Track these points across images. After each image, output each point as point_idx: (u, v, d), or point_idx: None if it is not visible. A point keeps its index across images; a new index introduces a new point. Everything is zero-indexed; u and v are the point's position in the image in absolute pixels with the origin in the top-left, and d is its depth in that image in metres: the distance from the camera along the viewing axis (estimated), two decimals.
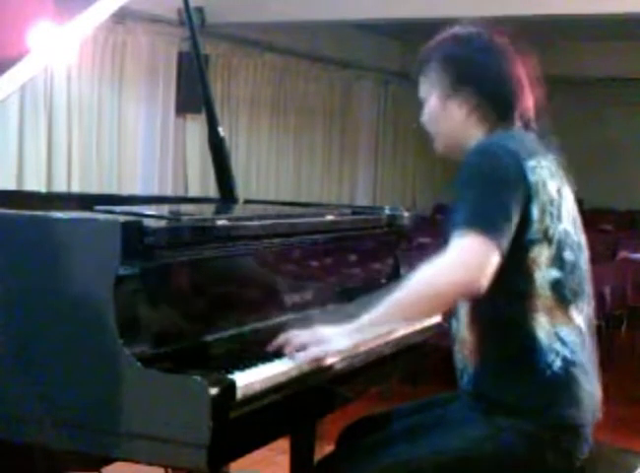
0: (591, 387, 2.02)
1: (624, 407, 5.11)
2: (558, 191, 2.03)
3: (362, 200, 10.40)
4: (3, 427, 1.88)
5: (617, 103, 11.57)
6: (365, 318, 1.98)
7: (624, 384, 5.79)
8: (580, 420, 1.99)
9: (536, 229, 1.96)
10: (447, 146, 2.15)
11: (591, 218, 9.44)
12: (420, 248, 6.90)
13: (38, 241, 1.87)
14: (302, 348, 1.97)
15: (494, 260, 1.88)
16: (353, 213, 2.77)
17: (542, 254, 1.97)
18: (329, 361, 2.04)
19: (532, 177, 1.96)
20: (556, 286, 1.98)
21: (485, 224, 1.89)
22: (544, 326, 1.96)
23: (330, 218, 2.57)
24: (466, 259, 1.88)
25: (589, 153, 11.38)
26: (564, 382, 1.97)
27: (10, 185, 5.94)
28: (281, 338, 2.01)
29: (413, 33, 9.94)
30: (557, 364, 1.96)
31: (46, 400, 1.82)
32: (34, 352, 1.84)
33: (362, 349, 2.14)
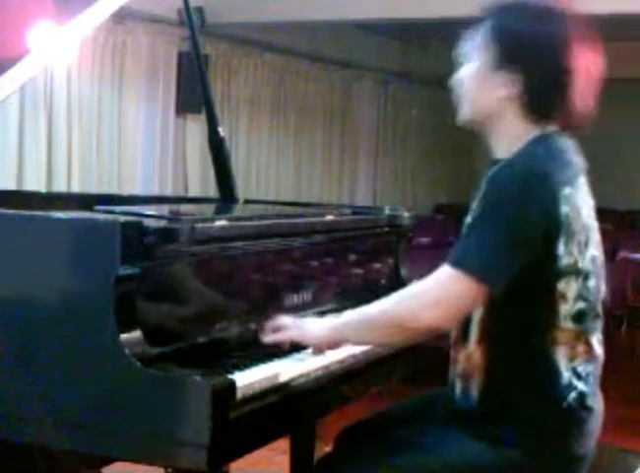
0: (598, 405, 2.00)
1: (624, 407, 5.11)
2: (591, 212, 1.97)
3: (362, 200, 10.39)
4: (3, 427, 1.88)
5: (618, 104, 11.57)
6: (340, 322, 2.02)
7: (624, 384, 5.79)
8: (588, 447, 1.98)
9: (564, 263, 1.89)
10: (475, 115, 2.01)
11: None
12: (420, 248, 6.90)
13: (38, 241, 1.87)
14: (280, 329, 2.05)
15: (472, 302, 1.87)
16: (354, 213, 2.77)
17: (570, 288, 1.91)
18: (324, 361, 2.06)
19: (564, 209, 1.87)
20: (580, 318, 1.93)
21: (480, 266, 1.84)
22: (564, 361, 1.92)
23: (330, 218, 2.57)
24: (439, 301, 1.86)
25: (589, 153, 11.36)
26: (577, 414, 1.94)
27: (10, 185, 5.93)
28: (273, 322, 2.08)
29: (413, 33, 9.95)
30: (573, 396, 1.92)
31: (46, 400, 1.82)
32: (34, 352, 1.84)
33: (356, 351, 2.15)
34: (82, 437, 1.81)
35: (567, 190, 1.89)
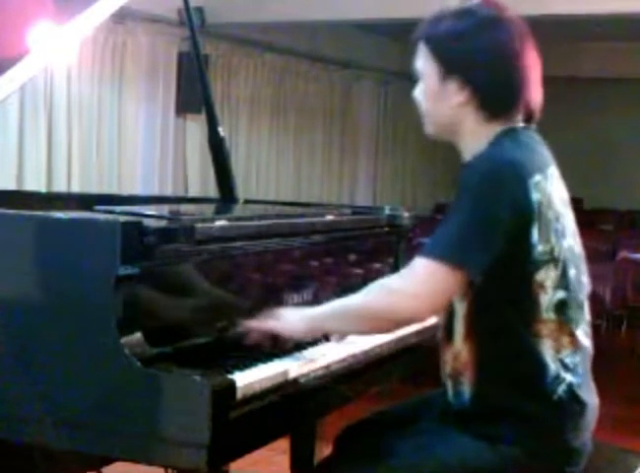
0: (591, 398, 1.99)
1: (624, 407, 5.11)
2: (564, 202, 1.98)
3: (362, 200, 10.40)
4: (3, 427, 1.88)
5: (618, 104, 11.58)
6: (319, 311, 2.03)
7: (624, 384, 5.79)
8: (584, 439, 1.98)
9: (540, 251, 1.89)
10: (438, 128, 2.04)
11: (591, 218, 9.45)
12: (420, 248, 6.90)
13: (38, 241, 1.87)
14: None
15: (451, 290, 1.87)
16: (354, 213, 2.77)
17: (548, 277, 1.91)
18: (325, 360, 2.06)
19: (535, 196, 1.87)
20: (562, 308, 1.93)
21: (452, 252, 1.85)
22: (550, 353, 1.92)
23: (330, 218, 2.57)
24: (417, 293, 1.87)
25: (589, 153, 11.38)
26: (569, 406, 1.93)
27: (10, 185, 5.95)
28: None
29: (413, 34, 9.95)
30: (563, 388, 1.92)
31: (46, 400, 1.82)
32: (34, 352, 1.84)
33: (360, 349, 2.15)
34: (82, 437, 1.81)
35: (537, 177, 1.90)
